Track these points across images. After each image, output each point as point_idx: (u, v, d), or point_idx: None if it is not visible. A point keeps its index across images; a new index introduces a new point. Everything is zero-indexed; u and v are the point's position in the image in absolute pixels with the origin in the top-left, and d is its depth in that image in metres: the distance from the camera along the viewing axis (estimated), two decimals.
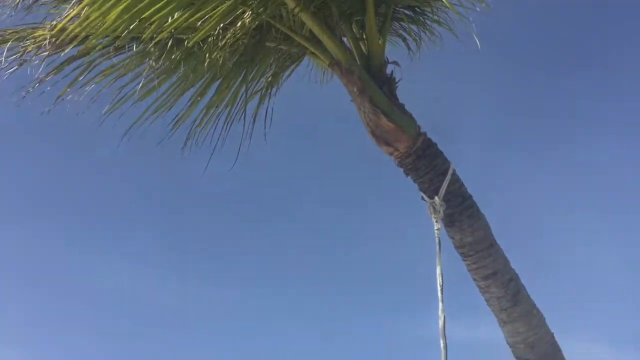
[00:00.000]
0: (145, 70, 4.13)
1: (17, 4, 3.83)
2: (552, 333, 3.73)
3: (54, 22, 3.74)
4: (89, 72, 4.06)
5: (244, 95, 4.39)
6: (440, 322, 3.38)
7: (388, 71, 3.88)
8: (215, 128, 4.38)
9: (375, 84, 3.75)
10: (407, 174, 3.80)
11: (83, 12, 3.33)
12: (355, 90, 3.73)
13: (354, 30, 4.11)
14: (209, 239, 11.04)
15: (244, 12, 3.83)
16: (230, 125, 4.39)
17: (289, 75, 4.68)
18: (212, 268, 11.09)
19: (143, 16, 3.38)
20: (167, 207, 10.82)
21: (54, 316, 10.71)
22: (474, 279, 3.79)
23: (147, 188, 10.57)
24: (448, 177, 3.70)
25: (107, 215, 10.88)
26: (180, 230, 11.16)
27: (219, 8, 3.55)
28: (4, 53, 3.82)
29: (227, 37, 3.93)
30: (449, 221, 3.71)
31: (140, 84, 4.10)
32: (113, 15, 3.30)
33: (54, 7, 4.00)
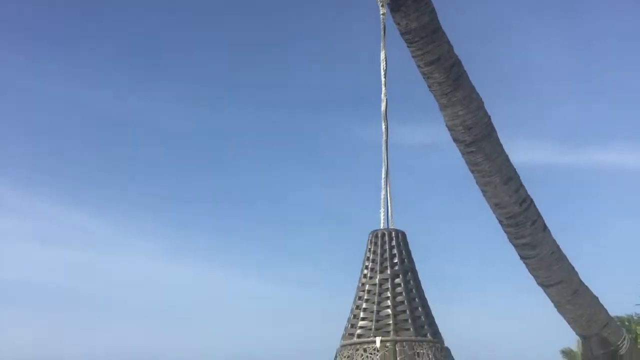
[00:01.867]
0: None
1: None
2: (490, 115, 3.89)
3: None
4: None
5: None
6: (383, 106, 3.45)
7: None
8: None
9: None
10: None
11: None
12: None
13: None
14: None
15: None
16: None
17: None
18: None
19: None
20: None
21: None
22: (418, 66, 3.82)
23: None
24: None
25: None
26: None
27: None
28: None
29: None
30: (395, 6, 3.62)
31: None
32: None
33: None
